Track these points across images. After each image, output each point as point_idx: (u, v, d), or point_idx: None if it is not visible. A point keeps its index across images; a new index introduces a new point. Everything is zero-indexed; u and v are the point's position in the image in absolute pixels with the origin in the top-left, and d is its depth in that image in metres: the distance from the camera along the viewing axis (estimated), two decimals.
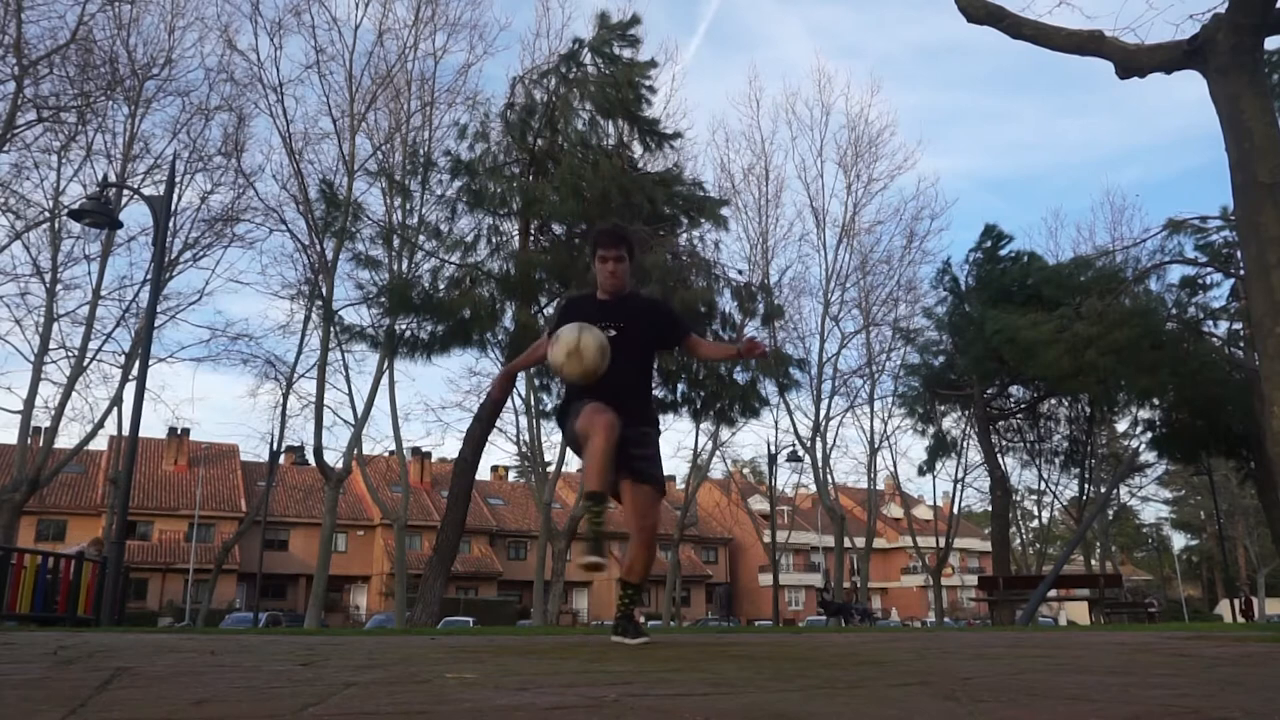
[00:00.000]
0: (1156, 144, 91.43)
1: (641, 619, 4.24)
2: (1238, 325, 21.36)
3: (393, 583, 31.00)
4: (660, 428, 4.00)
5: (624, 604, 3.89)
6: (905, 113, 79.36)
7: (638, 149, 14.55)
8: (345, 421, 23.26)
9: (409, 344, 13.63)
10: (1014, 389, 26.70)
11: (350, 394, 23.10)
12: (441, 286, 13.54)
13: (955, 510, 33.94)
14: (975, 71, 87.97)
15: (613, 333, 3.67)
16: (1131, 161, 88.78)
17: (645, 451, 3.75)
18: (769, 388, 16.87)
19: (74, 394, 21.02)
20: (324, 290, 20.74)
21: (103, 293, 21.38)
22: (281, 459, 28.68)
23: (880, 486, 36.01)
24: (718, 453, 33.63)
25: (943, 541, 33.01)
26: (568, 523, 28.79)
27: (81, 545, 12.31)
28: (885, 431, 32.58)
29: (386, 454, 32.59)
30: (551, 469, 28.50)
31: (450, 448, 66.32)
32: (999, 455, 26.77)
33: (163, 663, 2.40)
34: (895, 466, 43.90)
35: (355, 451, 23.57)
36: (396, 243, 16.37)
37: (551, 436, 27.85)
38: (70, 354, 21.27)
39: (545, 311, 13.67)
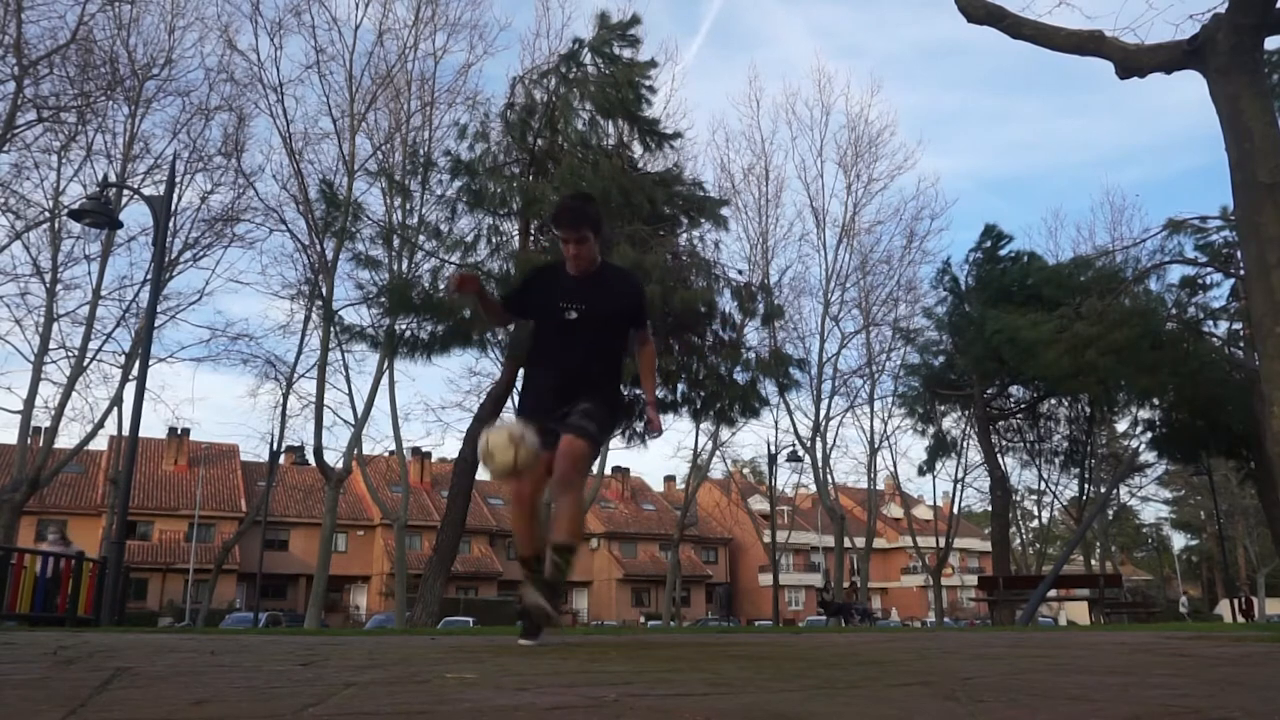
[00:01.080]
0: (1157, 144, 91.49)
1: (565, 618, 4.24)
2: (1238, 325, 21.36)
3: (393, 583, 30.99)
4: (616, 408, 3.87)
5: (556, 570, 3.60)
6: (907, 113, 79.52)
7: (638, 149, 14.56)
8: (345, 421, 23.28)
9: (409, 344, 13.63)
10: (1014, 389, 26.70)
11: (350, 394, 23.12)
12: (441, 286, 13.54)
13: (955, 510, 33.94)
14: (977, 71, 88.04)
15: (573, 314, 3.57)
16: (1132, 161, 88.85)
17: (581, 409, 3.57)
18: (769, 388, 16.87)
19: (74, 394, 21.06)
20: (324, 290, 20.75)
21: (103, 293, 21.42)
22: (281, 459, 28.68)
23: (880, 486, 36.02)
24: (718, 453, 33.67)
25: (943, 541, 33.01)
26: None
27: (53, 538, 12.00)
28: (885, 431, 32.61)
29: (386, 454, 32.58)
30: None
31: (450, 448, 66.31)
32: (999, 455, 26.78)
33: (163, 663, 2.40)
34: (895, 466, 43.90)
35: (355, 451, 23.57)
36: (396, 243, 16.37)
37: None
38: (70, 354, 21.30)
39: None
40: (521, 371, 3.97)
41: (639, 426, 14.00)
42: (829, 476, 31.60)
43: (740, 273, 20.17)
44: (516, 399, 3.81)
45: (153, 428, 50.51)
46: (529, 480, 3.51)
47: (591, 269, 3.63)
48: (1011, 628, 12.74)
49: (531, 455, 3.31)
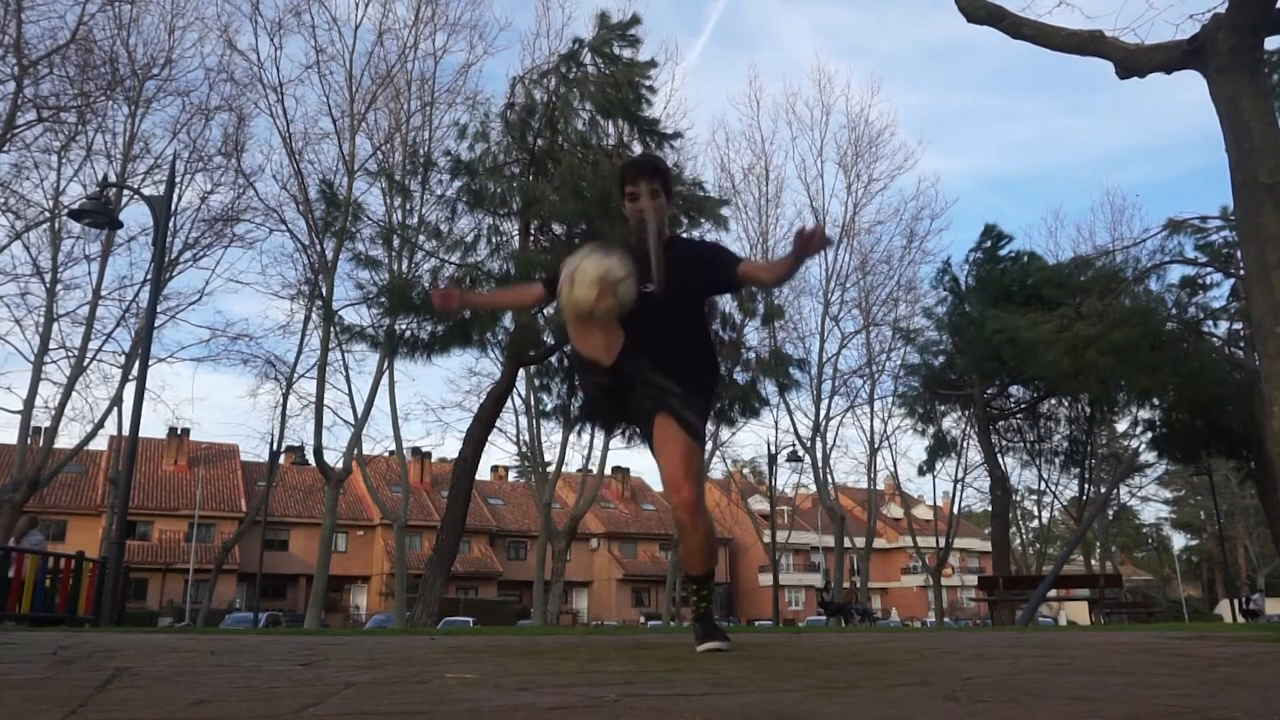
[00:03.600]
0: (1157, 144, 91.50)
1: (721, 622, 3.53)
2: (1238, 325, 21.37)
3: (393, 583, 31.01)
4: (711, 394, 3.26)
5: (696, 604, 3.14)
6: (911, 113, 79.46)
7: (638, 149, 14.55)
8: (345, 421, 23.30)
9: (409, 344, 13.62)
10: (1014, 389, 26.71)
11: (350, 394, 23.15)
12: (441, 287, 13.54)
13: (955, 510, 33.93)
14: (981, 71, 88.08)
15: (650, 287, 2.97)
16: (1133, 161, 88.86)
17: (663, 387, 2.98)
18: (769, 388, 16.87)
19: (74, 394, 21.06)
20: (324, 290, 20.76)
21: (103, 293, 21.42)
22: (281, 459, 28.70)
23: (880, 486, 36.01)
24: (718, 453, 33.63)
25: (943, 541, 33.00)
26: (567, 523, 28.80)
27: (35, 538, 11.86)
28: (885, 431, 32.62)
29: (386, 454, 32.64)
30: (551, 469, 28.50)
31: (450, 448, 66.36)
32: (999, 455, 26.79)
33: (163, 663, 2.40)
34: (895, 466, 43.95)
35: (355, 451, 23.57)
36: (396, 243, 16.36)
37: (551, 436, 27.88)
38: (70, 354, 21.30)
39: (546, 312, 13.65)
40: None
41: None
42: (829, 476, 31.61)
43: None
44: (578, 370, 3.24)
45: (153, 428, 50.58)
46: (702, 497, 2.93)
47: (653, 237, 3.11)
48: (1011, 628, 12.74)
49: (616, 307, 2.77)
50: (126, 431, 16.07)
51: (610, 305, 2.75)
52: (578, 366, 3.24)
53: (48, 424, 21.28)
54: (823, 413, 30.66)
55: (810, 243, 2.70)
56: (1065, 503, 34.95)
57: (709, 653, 2.78)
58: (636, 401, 3.03)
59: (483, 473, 41.67)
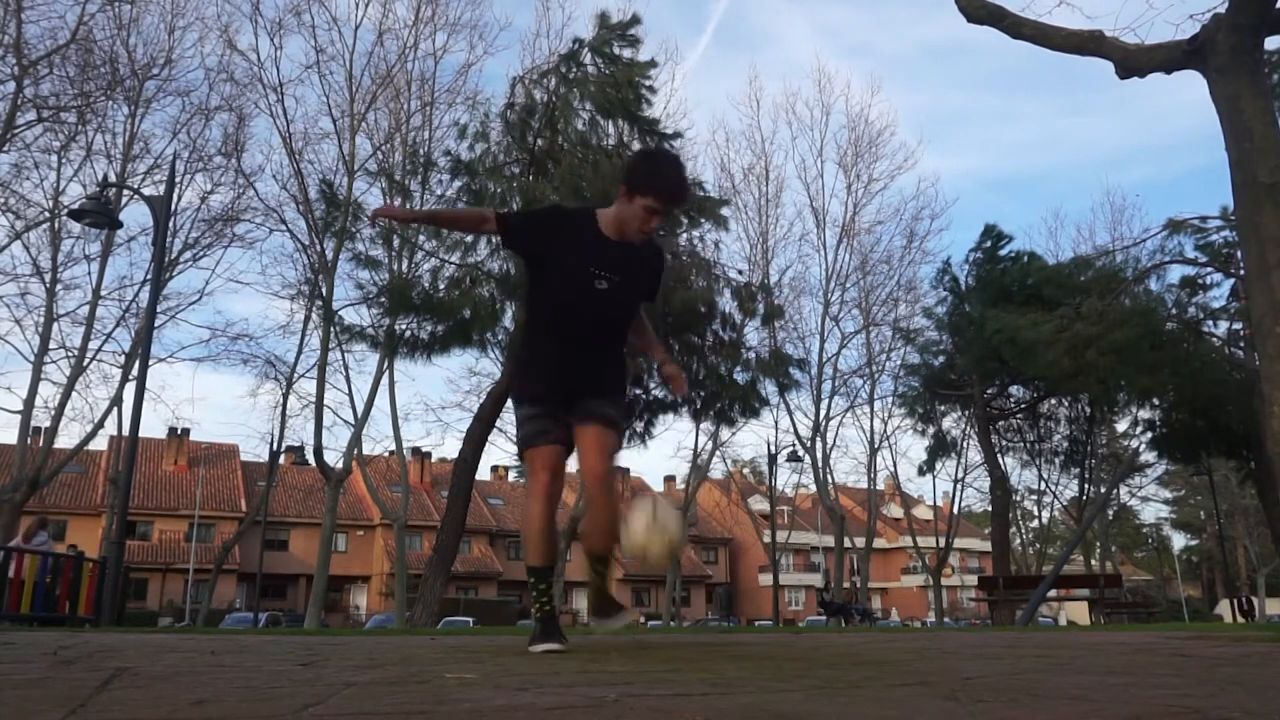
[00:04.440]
0: (1158, 144, 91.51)
1: (631, 607, 3.66)
2: (1238, 325, 21.36)
3: (393, 583, 31.00)
4: (627, 400, 3.42)
5: (596, 581, 3.25)
6: (913, 112, 79.52)
7: (638, 149, 14.56)
8: (345, 421, 23.30)
9: (409, 344, 13.63)
10: (1014, 389, 26.69)
11: (350, 394, 23.14)
12: (441, 286, 13.54)
13: (955, 510, 33.94)
14: (982, 71, 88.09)
15: (603, 285, 3.00)
16: (1134, 161, 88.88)
17: (598, 398, 3.12)
18: (769, 388, 16.87)
19: (74, 394, 21.07)
20: (324, 290, 20.75)
21: (103, 293, 21.43)
22: (281, 459, 28.70)
23: (880, 486, 36.01)
24: (718, 453, 33.67)
25: (943, 541, 33.01)
26: (568, 522, 28.80)
27: (39, 538, 11.89)
28: (885, 431, 32.64)
29: (386, 454, 32.60)
30: None
31: (450, 448, 66.35)
32: (999, 455, 26.77)
33: (163, 663, 2.40)
34: (895, 466, 43.93)
35: (355, 451, 23.57)
36: (396, 243, 16.37)
37: None
38: (70, 354, 21.30)
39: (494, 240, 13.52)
40: (523, 335, 3.38)
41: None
42: (829, 476, 31.60)
43: (740, 273, 20.15)
44: (517, 373, 3.32)
45: (153, 428, 50.58)
46: (561, 487, 3.09)
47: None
48: (1011, 628, 12.74)
49: (673, 546, 2.87)
50: (126, 431, 16.08)
51: (664, 545, 2.87)
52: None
53: (48, 424, 21.30)
54: (823, 413, 30.69)
55: (667, 379, 3.24)
56: (1065, 503, 34.95)
57: (545, 654, 2.78)
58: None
59: (483, 473, 41.68)
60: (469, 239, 13.77)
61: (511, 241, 3.29)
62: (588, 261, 3.01)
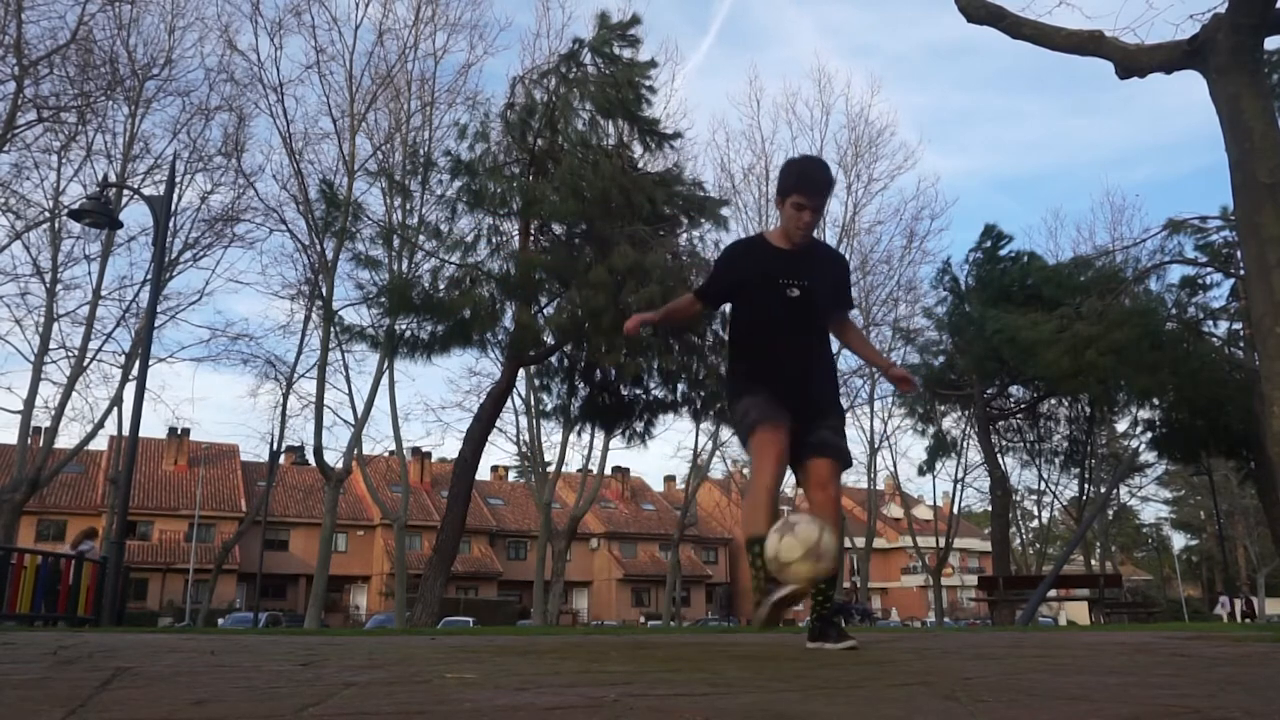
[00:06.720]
0: (1159, 144, 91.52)
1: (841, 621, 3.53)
2: (1238, 325, 21.35)
3: (393, 583, 30.99)
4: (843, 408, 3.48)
5: (817, 602, 3.18)
6: (915, 112, 79.46)
7: (638, 149, 14.54)
8: (345, 421, 23.31)
9: (409, 344, 13.62)
10: (1014, 389, 26.70)
11: (350, 394, 23.15)
12: (441, 286, 13.53)
13: (955, 510, 33.93)
14: (984, 71, 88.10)
15: (795, 292, 3.18)
16: (1135, 161, 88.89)
17: (828, 423, 3.25)
18: None
19: (74, 394, 21.07)
20: (324, 290, 20.76)
21: (103, 293, 21.43)
22: (281, 459, 28.71)
23: (880, 486, 36.00)
24: (718, 453, 33.67)
25: (943, 541, 33.00)
26: (568, 523, 28.79)
27: (84, 546, 12.25)
28: (885, 431, 32.61)
29: (386, 454, 32.62)
30: (551, 469, 28.50)
31: (450, 448, 66.32)
32: (999, 455, 26.78)
33: (163, 663, 2.40)
34: (895, 466, 43.90)
35: (355, 451, 23.57)
36: (396, 243, 16.37)
37: (552, 436, 27.88)
38: (70, 354, 21.30)
39: (545, 311, 13.63)
40: (730, 359, 3.50)
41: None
42: None
43: None
44: (733, 387, 3.27)
45: (153, 428, 50.61)
46: (786, 457, 3.13)
47: (805, 242, 3.30)
48: (1011, 628, 12.74)
49: (817, 575, 2.80)
50: (126, 431, 16.08)
51: (822, 568, 2.83)
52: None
53: (48, 424, 21.29)
54: None
55: (898, 381, 3.41)
56: (1065, 503, 34.94)
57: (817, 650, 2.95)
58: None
59: (483, 473, 41.69)
60: (469, 239, 13.79)
61: (716, 302, 3.61)
62: (776, 274, 3.22)
